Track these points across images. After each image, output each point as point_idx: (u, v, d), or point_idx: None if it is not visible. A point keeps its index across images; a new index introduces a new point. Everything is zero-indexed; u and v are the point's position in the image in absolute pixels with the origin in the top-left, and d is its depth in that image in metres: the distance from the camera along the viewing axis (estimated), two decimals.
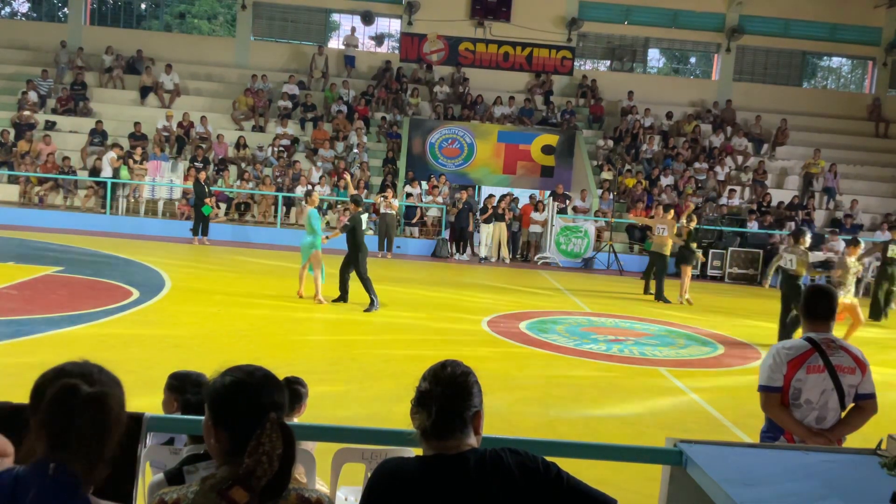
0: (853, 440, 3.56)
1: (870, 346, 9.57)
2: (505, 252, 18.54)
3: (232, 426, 1.76)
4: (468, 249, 18.68)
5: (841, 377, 3.49)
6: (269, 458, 1.68)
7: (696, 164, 21.80)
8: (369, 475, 2.12)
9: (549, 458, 2.08)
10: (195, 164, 19.07)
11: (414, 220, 19.67)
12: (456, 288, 13.83)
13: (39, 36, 23.66)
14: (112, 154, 18.80)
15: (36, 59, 22.93)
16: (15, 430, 2.11)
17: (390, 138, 21.67)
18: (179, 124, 20.79)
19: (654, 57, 26.43)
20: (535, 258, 18.70)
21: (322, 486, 3.39)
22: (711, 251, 18.23)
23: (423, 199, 19.80)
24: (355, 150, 20.93)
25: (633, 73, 25.38)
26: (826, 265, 15.63)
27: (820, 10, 24.35)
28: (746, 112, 23.91)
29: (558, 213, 18.79)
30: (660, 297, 13.78)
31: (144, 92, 22.15)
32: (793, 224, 19.25)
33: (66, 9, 24.58)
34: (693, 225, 14.38)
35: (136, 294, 10.41)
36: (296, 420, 3.60)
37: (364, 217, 10.94)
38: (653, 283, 14.24)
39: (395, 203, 17.82)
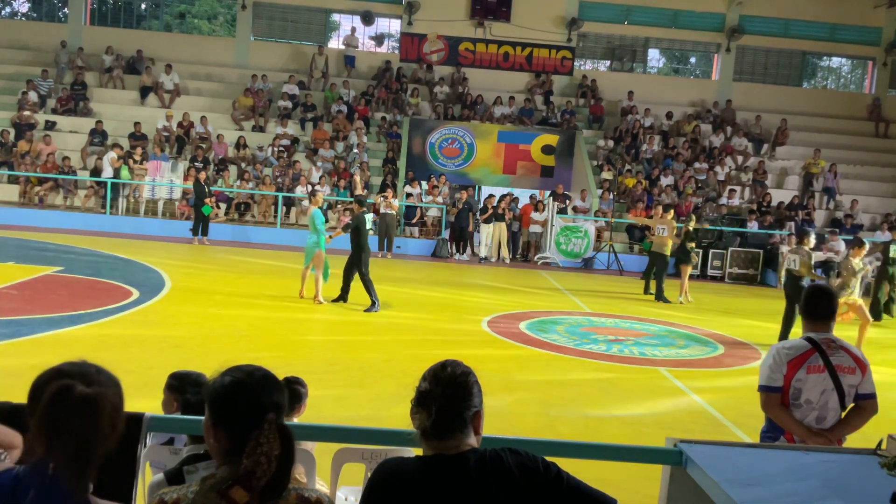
0: (853, 440, 3.56)
1: (870, 346, 9.59)
2: (505, 252, 18.54)
3: (231, 426, 1.76)
4: (468, 249, 18.68)
5: (841, 377, 3.49)
6: (268, 459, 1.68)
7: (696, 164, 21.80)
8: (369, 475, 2.12)
9: (549, 458, 2.08)
10: (195, 164, 19.07)
11: (414, 220, 19.68)
12: (456, 288, 13.83)
13: (39, 36, 23.66)
14: (113, 154, 18.80)
15: (36, 59, 22.93)
16: (15, 429, 2.11)
17: (390, 138, 21.67)
18: (179, 124, 20.79)
19: (654, 57, 26.43)
20: (535, 258, 18.70)
21: (322, 486, 3.39)
22: (711, 251, 18.24)
23: (423, 199, 19.80)
24: (355, 150, 20.93)
25: (633, 73, 25.38)
26: (826, 265, 15.64)
27: (820, 10, 24.35)
28: (746, 112, 23.91)
29: (558, 213, 18.78)
30: (660, 297, 13.78)
31: (144, 92, 22.15)
32: (792, 224, 19.26)
33: (66, 9, 24.58)
34: (692, 225, 14.39)
35: (136, 294, 10.41)
36: (296, 420, 3.60)
37: (369, 217, 10.94)
38: (653, 283, 14.24)
39: (395, 203, 17.82)
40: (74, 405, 1.60)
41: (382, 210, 17.43)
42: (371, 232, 11.69)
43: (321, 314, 10.36)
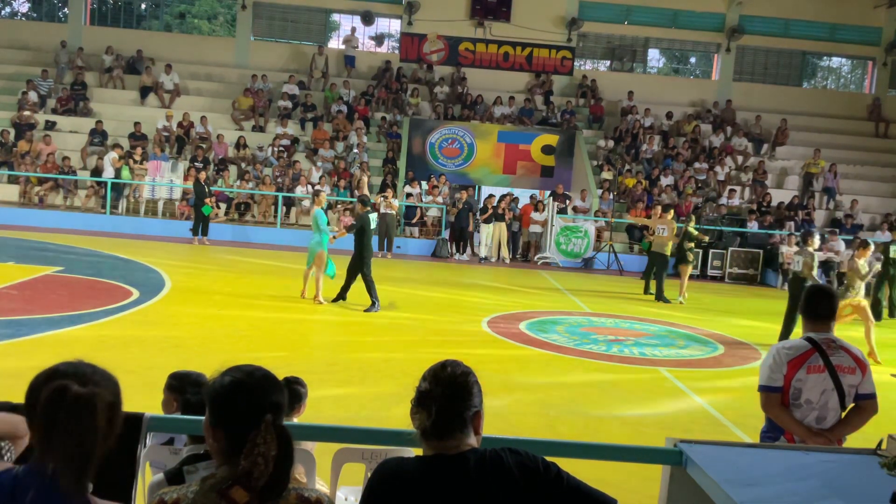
0: (853, 440, 3.56)
1: (864, 344, 9.58)
2: (505, 252, 18.54)
3: (230, 426, 1.76)
4: (468, 249, 18.68)
5: (841, 377, 3.49)
6: (265, 460, 1.69)
7: (696, 164, 21.80)
8: (369, 475, 2.12)
9: (549, 458, 2.08)
10: (195, 164, 19.08)
11: (414, 220, 19.68)
12: (456, 288, 13.83)
13: (39, 36, 23.66)
14: (114, 154, 18.81)
15: (36, 59, 22.94)
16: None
17: (390, 138, 21.67)
18: (179, 124, 20.79)
19: (654, 57, 26.43)
20: (535, 258, 18.70)
21: (322, 486, 3.39)
22: (711, 251, 18.24)
23: (423, 199, 19.80)
24: (355, 150, 20.94)
25: (633, 73, 25.38)
26: (826, 265, 15.64)
27: (820, 10, 24.35)
28: (746, 112, 23.91)
29: (558, 213, 18.78)
30: (660, 297, 13.78)
31: (144, 92, 22.16)
32: (792, 224, 19.26)
33: (66, 9, 24.58)
34: (692, 225, 14.40)
35: (136, 294, 10.41)
36: (295, 420, 3.60)
37: (373, 217, 10.93)
38: (653, 284, 14.24)
39: (395, 203, 17.82)
40: (70, 405, 1.60)
41: (382, 210, 17.43)
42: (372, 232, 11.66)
43: (321, 314, 10.36)
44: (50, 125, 20.65)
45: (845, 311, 9.85)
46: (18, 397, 2.13)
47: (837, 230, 18.13)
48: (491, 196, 18.71)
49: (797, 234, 18.37)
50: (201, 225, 17.17)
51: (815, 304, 3.68)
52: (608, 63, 26.10)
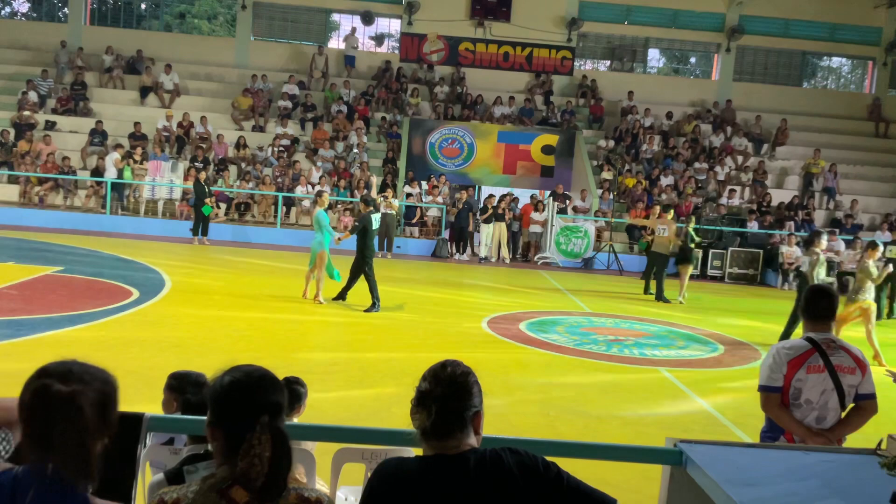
0: (853, 440, 3.56)
1: (869, 347, 9.57)
2: (505, 252, 18.54)
3: (228, 426, 1.76)
4: (468, 249, 18.68)
5: (841, 377, 3.49)
6: (261, 461, 1.69)
7: (696, 164, 21.80)
8: (369, 475, 2.12)
9: (549, 458, 2.08)
10: (195, 164, 19.08)
11: (414, 220, 19.68)
12: (456, 288, 13.83)
13: (39, 36, 23.66)
14: (116, 155, 18.82)
15: (36, 59, 22.94)
16: None
17: (390, 138, 21.67)
18: (179, 124, 20.79)
19: (654, 57, 26.43)
20: (535, 258, 18.70)
21: (322, 486, 3.39)
22: (711, 251, 18.24)
23: (423, 199, 19.80)
24: (355, 150, 20.94)
25: (633, 73, 25.37)
26: (827, 265, 15.63)
27: (820, 10, 24.35)
28: (746, 112, 23.91)
29: (558, 213, 18.78)
30: (660, 297, 13.77)
31: (144, 92, 22.16)
32: (792, 224, 19.26)
33: (66, 9, 24.58)
34: (692, 225, 14.40)
35: (136, 294, 10.41)
36: (295, 420, 3.60)
37: (376, 217, 10.90)
38: (653, 284, 14.24)
39: (395, 203, 17.82)
40: (51, 404, 1.61)
41: (382, 210, 17.41)
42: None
43: (321, 314, 10.36)
44: (50, 125, 20.65)
45: (854, 314, 9.79)
46: None
47: (837, 230, 18.14)
48: (491, 196, 18.71)
49: (797, 234, 18.40)
50: (201, 225, 17.17)
51: (816, 304, 3.67)
52: (608, 63, 26.10)
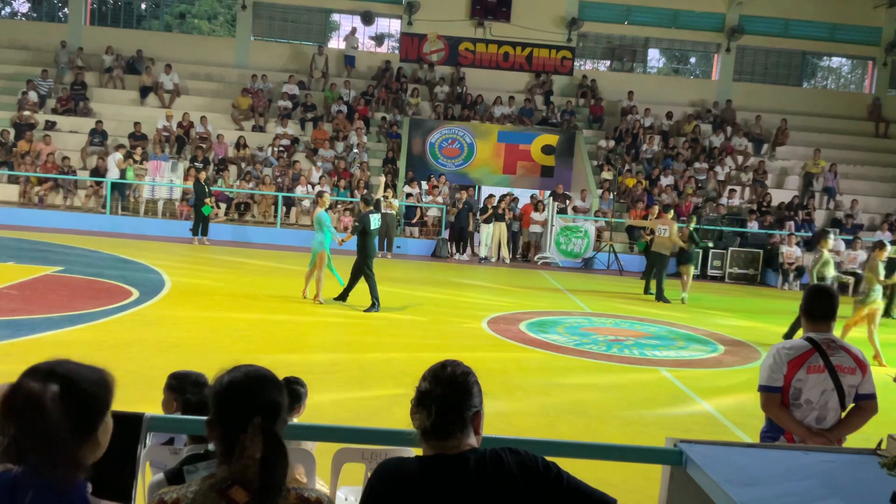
0: (853, 440, 3.56)
1: (869, 346, 9.57)
2: (505, 252, 18.54)
3: (224, 426, 1.77)
4: (468, 249, 18.68)
5: (841, 377, 3.49)
6: (254, 462, 1.69)
7: (696, 164, 21.80)
8: (369, 475, 2.12)
9: (549, 458, 2.08)
10: (195, 164, 19.08)
11: (414, 220, 19.68)
12: (456, 288, 13.83)
13: (39, 36, 23.66)
14: (119, 155, 18.82)
15: (36, 59, 22.94)
16: None
17: (390, 138, 21.67)
18: (179, 124, 20.80)
19: (654, 57, 26.43)
20: (535, 258, 18.70)
21: (322, 486, 3.39)
22: (711, 251, 18.25)
23: (423, 199, 19.80)
24: (355, 150, 20.94)
25: (633, 73, 25.38)
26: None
27: (820, 10, 24.36)
28: (746, 112, 23.91)
29: (558, 213, 18.78)
30: (660, 297, 13.77)
31: (144, 92, 22.16)
32: (792, 224, 19.26)
33: (66, 9, 24.58)
34: (692, 225, 14.41)
35: (136, 294, 10.41)
36: (295, 420, 3.60)
37: (376, 217, 10.87)
38: (653, 284, 14.24)
39: (395, 203, 17.82)
40: (16, 403, 1.61)
41: (383, 210, 17.41)
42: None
43: (321, 314, 10.36)
44: (50, 125, 20.65)
45: (862, 315, 9.72)
46: None
47: (837, 230, 18.14)
48: (491, 196, 18.71)
49: (797, 234, 18.41)
50: (201, 225, 17.17)
51: (816, 303, 3.67)
52: (608, 63, 26.10)
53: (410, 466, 2.02)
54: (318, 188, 18.59)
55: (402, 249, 18.51)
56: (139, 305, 9.76)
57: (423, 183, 20.09)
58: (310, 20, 25.03)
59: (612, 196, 19.65)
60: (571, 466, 2.13)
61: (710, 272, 18.24)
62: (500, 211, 18.33)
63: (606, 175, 20.69)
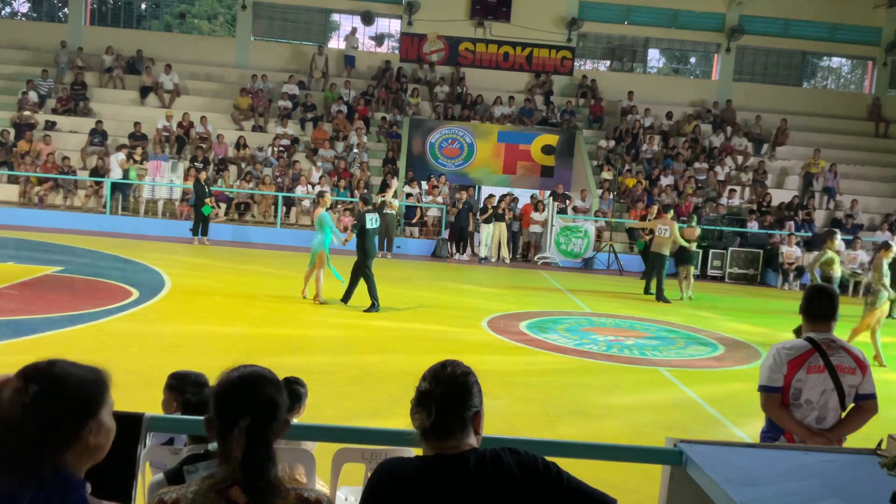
0: (853, 440, 3.56)
1: (870, 347, 9.57)
2: (505, 252, 18.54)
3: (219, 425, 1.77)
4: (468, 249, 18.68)
5: (841, 377, 3.49)
6: (238, 464, 1.70)
7: (696, 164, 21.80)
8: (369, 475, 2.12)
9: (549, 458, 2.08)
10: (195, 164, 19.08)
11: (414, 220, 19.67)
12: (456, 288, 13.84)
13: (39, 36, 23.66)
14: (122, 155, 18.82)
15: (36, 59, 22.94)
16: None
17: (390, 138, 21.67)
18: (179, 124, 20.80)
19: (654, 57, 26.43)
20: (535, 258, 18.70)
21: (322, 486, 3.39)
22: (711, 251, 18.25)
23: (423, 199, 19.79)
24: (355, 150, 20.94)
25: (633, 73, 25.37)
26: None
27: (820, 10, 24.35)
28: (746, 112, 23.91)
29: (558, 213, 18.78)
30: (660, 297, 13.77)
31: (144, 92, 22.16)
32: (792, 224, 19.26)
33: (66, 9, 24.58)
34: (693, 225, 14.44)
35: (136, 294, 10.41)
36: (295, 420, 3.60)
37: (372, 216, 10.84)
38: (653, 283, 14.23)
39: (396, 203, 17.81)
40: None
41: (386, 210, 17.41)
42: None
43: (321, 314, 10.36)
44: (50, 125, 20.65)
45: (870, 319, 9.66)
46: None
47: (828, 229, 18.13)
48: (491, 196, 18.71)
49: (797, 234, 18.40)
50: (201, 225, 17.17)
51: (816, 303, 3.67)
52: (608, 63, 26.10)
53: (410, 466, 2.02)
54: (318, 188, 18.60)
55: (402, 249, 18.51)
56: (139, 305, 9.76)
57: (423, 183, 20.09)
58: (310, 20, 25.03)
59: (612, 196, 19.66)
60: (571, 466, 2.13)
61: (710, 272, 18.24)
62: (500, 211, 18.33)
63: (606, 175, 20.69)
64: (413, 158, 20.92)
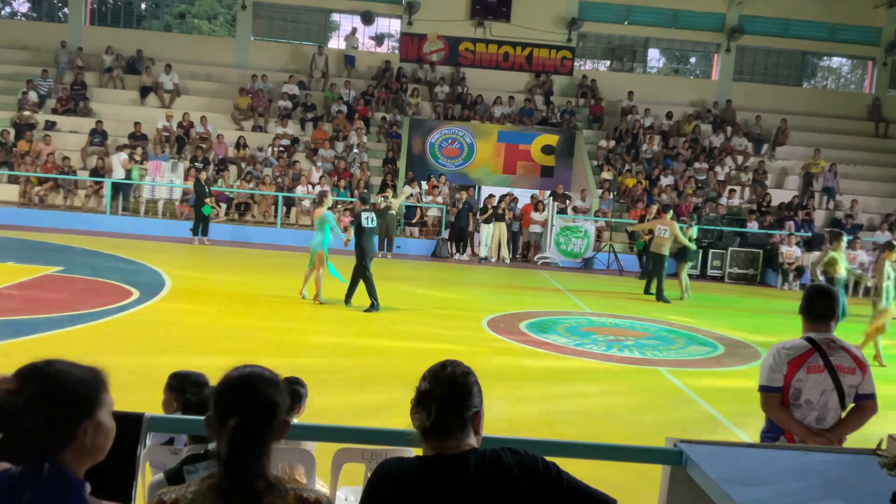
0: (853, 440, 3.56)
1: (870, 347, 9.58)
2: (505, 252, 18.54)
3: (217, 425, 1.77)
4: (468, 249, 18.68)
5: (841, 377, 3.49)
6: (221, 464, 1.70)
7: (696, 164, 21.80)
8: (369, 475, 2.12)
9: (549, 458, 2.08)
10: (195, 164, 19.08)
11: (414, 220, 19.67)
12: (456, 288, 13.84)
13: (39, 36, 23.66)
14: (124, 155, 18.82)
15: (36, 59, 22.94)
16: None
17: (390, 138, 21.67)
18: (179, 124, 20.79)
19: (654, 57, 26.42)
20: (535, 258, 18.69)
21: (322, 486, 3.39)
22: (711, 251, 18.25)
23: (423, 199, 19.79)
24: (355, 150, 20.94)
25: (633, 73, 25.37)
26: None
27: (820, 10, 24.35)
28: (746, 112, 23.90)
29: (558, 213, 18.78)
30: (660, 297, 13.77)
31: (144, 92, 22.16)
32: (792, 224, 19.26)
33: (66, 9, 24.58)
34: (693, 225, 14.43)
35: (136, 294, 10.41)
36: (296, 420, 3.60)
37: (368, 215, 10.82)
38: (654, 283, 14.23)
39: (396, 203, 17.79)
40: None
41: (390, 211, 17.40)
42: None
43: (321, 314, 10.36)
44: (50, 125, 20.65)
45: (881, 322, 9.62)
46: None
47: (832, 230, 18.13)
48: (491, 196, 18.71)
49: (797, 234, 18.40)
50: (201, 225, 17.17)
51: (815, 304, 3.67)
52: (608, 63, 26.10)
53: (410, 466, 2.02)
54: (318, 188, 18.59)
55: (402, 249, 18.51)
56: (139, 305, 9.76)
57: (423, 183, 20.09)
58: (310, 20, 25.03)
59: (612, 196, 19.65)
60: (571, 466, 2.13)
61: (710, 272, 18.23)
62: (500, 211, 18.33)
63: (606, 175, 20.69)
64: (413, 158, 20.92)
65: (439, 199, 19.76)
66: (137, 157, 19.27)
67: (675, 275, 14.81)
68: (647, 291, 14.51)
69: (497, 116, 22.44)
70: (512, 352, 8.85)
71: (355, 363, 7.86)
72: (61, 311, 9.07)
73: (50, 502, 1.59)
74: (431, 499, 1.94)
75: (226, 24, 27.03)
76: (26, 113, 20.51)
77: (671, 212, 14.88)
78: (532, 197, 19.95)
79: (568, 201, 19.94)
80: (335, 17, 25.48)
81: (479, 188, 22.70)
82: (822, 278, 10.67)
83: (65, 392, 1.65)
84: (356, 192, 18.88)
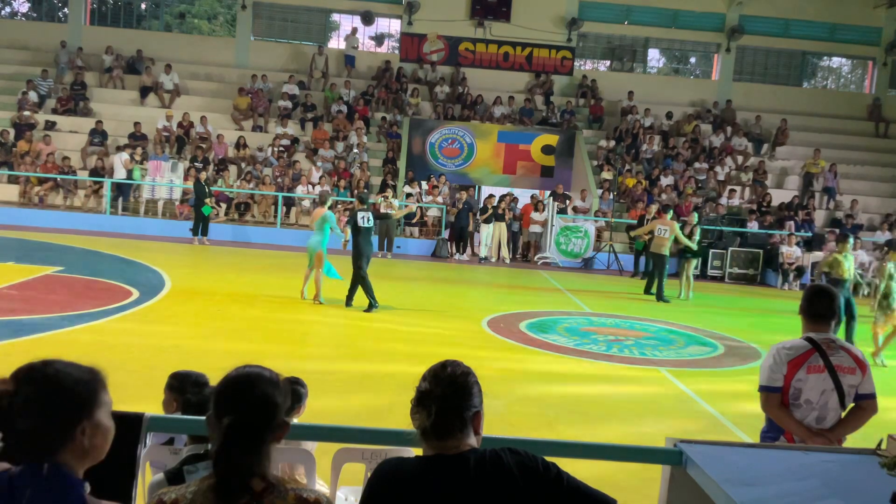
0: (853, 440, 3.56)
1: (870, 346, 9.58)
2: (505, 252, 18.54)
3: (213, 423, 1.77)
4: (468, 249, 18.68)
5: (841, 377, 3.49)
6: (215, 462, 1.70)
7: (696, 164, 21.80)
8: (369, 475, 2.12)
9: (549, 458, 2.08)
10: (195, 164, 19.08)
11: (414, 221, 19.67)
12: (456, 288, 13.83)
13: (39, 36, 23.67)
14: (125, 155, 18.83)
15: (36, 59, 22.94)
16: None
17: (390, 138, 21.67)
18: (179, 124, 20.79)
19: (654, 57, 26.43)
20: (535, 258, 18.69)
21: (322, 486, 3.39)
22: (711, 251, 18.24)
23: (423, 199, 19.79)
24: (355, 150, 20.94)
25: (633, 73, 25.38)
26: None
27: (820, 10, 24.35)
28: (746, 112, 23.91)
29: (558, 213, 18.78)
30: (660, 297, 13.76)
31: (144, 92, 22.16)
32: (792, 224, 19.27)
33: (66, 9, 24.58)
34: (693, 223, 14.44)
35: (136, 294, 10.41)
36: (296, 420, 3.59)
37: (364, 215, 10.80)
38: (654, 283, 14.23)
39: (395, 203, 17.79)
40: None
41: (382, 210, 17.38)
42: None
43: (320, 314, 10.36)
44: (50, 125, 20.65)
45: (890, 325, 9.60)
46: None
47: (837, 230, 18.12)
48: (491, 196, 18.71)
49: (797, 234, 18.40)
50: (201, 225, 17.17)
51: (815, 304, 3.67)
52: (608, 63, 26.10)
53: (410, 466, 2.01)
54: (318, 188, 18.60)
55: (402, 249, 18.51)
56: (139, 305, 9.76)
57: (423, 183, 20.09)
58: (310, 20, 25.03)
59: (612, 196, 19.65)
60: (571, 466, 2.13)
61: (710, 272, 18.23)
62: (500, 211, 18.33)
63: (606, 175, 20.69)
64: (413, 158, 20.92)
65: (439, 199, 19.76)
66: (137, 157, 19.28)
67: (675, 275, 14.81)
68: (647, 291, 14.51)
69: (497, 116, 22.44)
70: (512, 352, 8.85)
71: (355, 363, 7.86)
72: (61, 311, 9.06)
73: (49, 502, 1.59)
74: (431, 499, 1.94)
75: (226, 24, 27.03)
76: (26, 113, 20.52)
77: (671, 212, 14.88)
78: (532, 197, 19.95)
79: (568, 201, 19.94)
80: (335, 17, 25.49)
81: (479, 188, 22.70)
82: (822, 279, 10.67)
83: (63, 392, 1.65)
84: (356, 191, 18.88)
